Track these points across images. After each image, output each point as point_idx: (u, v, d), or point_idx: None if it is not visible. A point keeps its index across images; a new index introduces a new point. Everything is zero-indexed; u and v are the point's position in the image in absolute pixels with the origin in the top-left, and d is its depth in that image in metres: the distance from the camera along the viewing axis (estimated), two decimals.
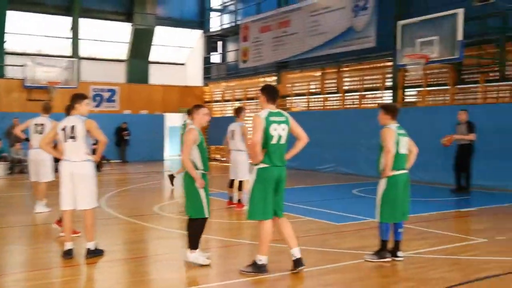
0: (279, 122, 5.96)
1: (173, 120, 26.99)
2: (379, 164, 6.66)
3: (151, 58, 27.34)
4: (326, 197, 12.99)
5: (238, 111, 10.96)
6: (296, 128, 6.12)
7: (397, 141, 6.56)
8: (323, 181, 16.23)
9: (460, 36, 13.60)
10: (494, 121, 14.04)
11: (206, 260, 6.47)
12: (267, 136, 5.89)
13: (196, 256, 6.47)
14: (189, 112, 7.76)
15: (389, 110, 6.69)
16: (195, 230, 6.46)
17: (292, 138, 6.14)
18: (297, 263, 6.00)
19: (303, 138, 6.13)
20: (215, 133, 24.51)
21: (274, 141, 5.92)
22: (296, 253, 6.01)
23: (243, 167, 10.82)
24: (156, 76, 27.33)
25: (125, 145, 24.35)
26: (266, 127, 5.88)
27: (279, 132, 5.93)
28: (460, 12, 13.61)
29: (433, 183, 14.91)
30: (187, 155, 6.37)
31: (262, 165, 5.92)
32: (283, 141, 5.99)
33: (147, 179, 16.94)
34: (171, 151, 27.51)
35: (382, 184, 6.60)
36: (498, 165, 13.95)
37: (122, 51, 26.86)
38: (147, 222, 9.41)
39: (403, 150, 6.64)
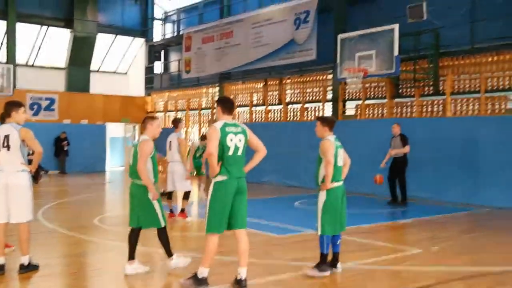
0: (236, 133, 5.86)
1: (114, 130, 26.50)
2: (318, 177, 6.73)
3: (92, 66, 26.79)
4: (269, 209, 13.04)
5: (176, 122, 10.91)
6: (254, 139, 6.03)
7: (336, 153, 6.67)
8: (265, 194, 16.29)
9: (396, 51, 14.01)
10: (429, 134, 14.56)
11: (188, 259, 6.77)
12: (223, 147, 5.79)
13: (176, 261, 6.67)
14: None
15: (326, 122, 6.77)
16: (165, 239, 6.60)
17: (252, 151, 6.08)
18: (239, 283, 5.90)
19: (262, 150, 6.03)
20: (159, 145, 24.16)
21: (230, 152, 5.80)
22: (242, 273, 5.88)
23: (180, 178, 10.74)
24: (97, 85, 26.79)
25: (65, 156, 23.67)
26: (222, 138, 5.78)
27: (235, 142, 5.82)
28: (396, 27, 14.02)
29: (370, 194, 15.25)
30: (144, 166, 6.37)
31: (219, 178, 5.80)
32: (240, 152, 5.87)
33: (87, 191, 16.52)
34: (112, 162, 26.98)
35: (322, 197, 6.67)
36: (432, 177, 14.44)
37: (61, 59, 26.19)
38: (86, 235, 9.16)
39: (340, 162, 6.75)
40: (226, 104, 6.03)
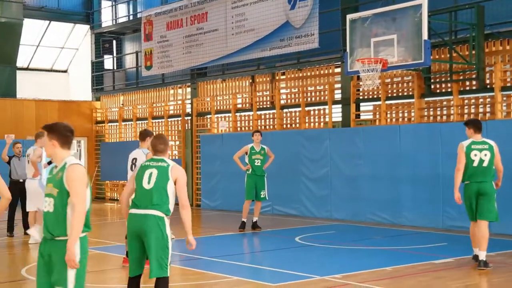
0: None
1: None
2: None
3: (19, 62, 26.62)
4: (260, 247, 12.96)
5: (144, 135, 10.93)
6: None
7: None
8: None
9: (425, 34, 14.02)
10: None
11: None
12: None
13: None
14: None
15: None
16: None
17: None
18: None
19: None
20: (110, 165, 24.08)
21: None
22: None
23: None
24: (27, 87, 26.62)
25: None
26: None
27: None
28: (425, 3, 14.02)
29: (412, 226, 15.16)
30: None
31: None
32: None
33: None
34: None
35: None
36: None
37: None
38: None
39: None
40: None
